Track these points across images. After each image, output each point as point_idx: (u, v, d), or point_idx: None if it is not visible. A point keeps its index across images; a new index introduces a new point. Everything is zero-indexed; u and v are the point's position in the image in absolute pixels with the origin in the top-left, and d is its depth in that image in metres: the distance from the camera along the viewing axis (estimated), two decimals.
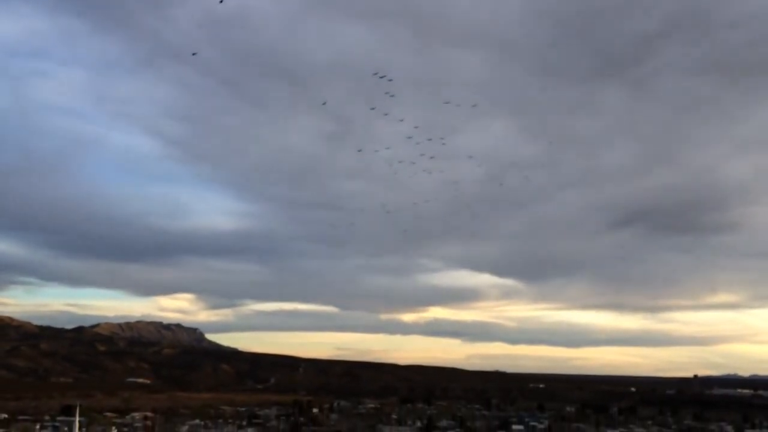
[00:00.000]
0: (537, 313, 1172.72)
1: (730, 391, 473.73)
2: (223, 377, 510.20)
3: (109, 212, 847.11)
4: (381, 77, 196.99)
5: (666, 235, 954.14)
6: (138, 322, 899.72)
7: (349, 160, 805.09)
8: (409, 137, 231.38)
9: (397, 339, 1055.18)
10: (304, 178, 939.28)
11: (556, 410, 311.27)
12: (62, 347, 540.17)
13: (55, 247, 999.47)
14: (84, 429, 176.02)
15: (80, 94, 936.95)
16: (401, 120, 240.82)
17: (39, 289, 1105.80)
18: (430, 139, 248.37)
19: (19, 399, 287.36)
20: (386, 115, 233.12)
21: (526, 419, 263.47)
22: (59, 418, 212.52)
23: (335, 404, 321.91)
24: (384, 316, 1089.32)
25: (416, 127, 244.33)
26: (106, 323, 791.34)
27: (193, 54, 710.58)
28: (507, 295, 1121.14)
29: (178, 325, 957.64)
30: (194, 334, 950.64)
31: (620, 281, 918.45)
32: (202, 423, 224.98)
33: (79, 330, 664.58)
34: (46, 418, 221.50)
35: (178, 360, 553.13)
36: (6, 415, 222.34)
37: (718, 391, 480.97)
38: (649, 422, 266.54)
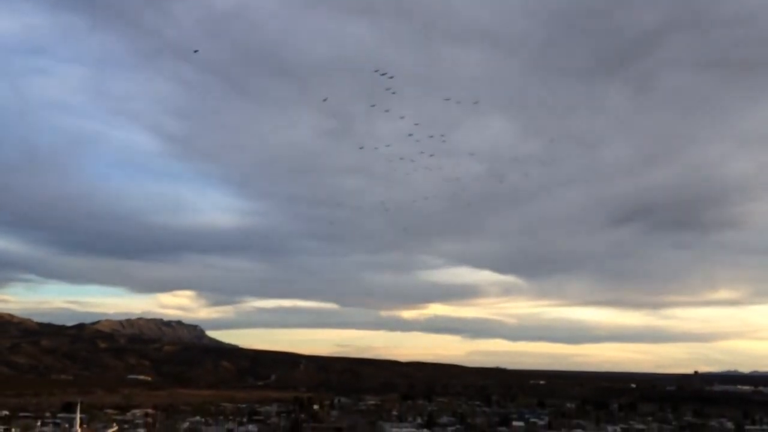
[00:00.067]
0: (537, 310, 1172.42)
1: (730, 388, 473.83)
2: (223, 374, 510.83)
3: (110, 209, 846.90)
4: (382, 74, 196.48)
5: (667, 231, 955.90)
6: (138, 319, 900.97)
7: (349, 156, 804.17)
8: (410, 134, 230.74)
9: (398, 336, 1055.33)
10: (305, 175, 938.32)
11: (556, 407, 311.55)
12: (63, 344, 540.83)
13: (55, 244, 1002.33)
14: (85, 426, 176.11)
15: (80, 90, 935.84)
16: (402, 117, 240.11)
17: (39, 286, 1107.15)
18: (431, 136, 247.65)
19: (20, 396, 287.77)
20: (387, 111, 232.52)
21: (527, 416, 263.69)
22: (60, 415, 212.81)
23: (336, 401, 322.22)
24: (384, 313, 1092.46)
25: (416, 124, 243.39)
26: (107, 320, 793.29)
27: (195, 51, 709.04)
28: (507, 291, 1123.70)
29: (179, 322, 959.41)
30: (195, 331, 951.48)
31: (621, 278, 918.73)
32: (203, 420, 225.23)
33: (80, 327, 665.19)
34: (47, 415, 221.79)
35: (178, 357, 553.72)
36: (7, 412, 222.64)
37: (718, 387, 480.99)
38: (650, 418, 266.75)
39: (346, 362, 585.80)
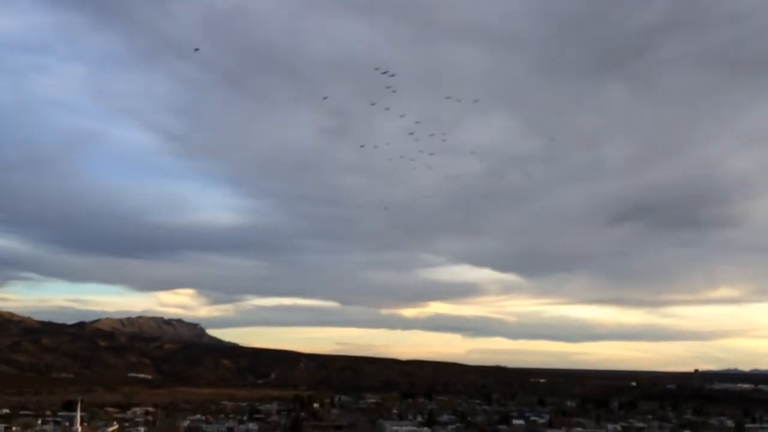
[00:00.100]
0: (538, 308, 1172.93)
1: (730, 386, 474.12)
2: (223, 372, 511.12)
3: (110, 207, 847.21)
4: (383, 73, 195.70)
5: (667, 229, 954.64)
6: (139, 317, 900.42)
7: (349, 155, 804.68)
8: (411, 133, 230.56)
9: (398, 334, 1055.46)
10: (305, 173, 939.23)
11: (556, 405, 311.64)
12: (63, 343, 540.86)
13: (56, 242, 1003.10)
14: (85, 424, 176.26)
15: (80, 89, 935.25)
16: (402, 116, 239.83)
17: (40, 284, 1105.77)
18: (432, 135, 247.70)
19: (20, 394, 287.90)
20: (388, 109, 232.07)
21: (527, 414, 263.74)
22: (61, 414, 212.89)
23: (336, 399, 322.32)
24: (385, 311, 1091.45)
25: (417, 122, 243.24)
26: (107, 318, 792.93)
27: (196, 50, 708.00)
28: (508, 290, 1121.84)
29: (179, 321, 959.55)
30: (195, 329, 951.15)
31: (621, 276, 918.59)
32: (203, 418, 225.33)
33: (80, 325, 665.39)
34: (48, 413, 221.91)
35: (179, 355, 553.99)
36: (8, 411, 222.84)
37: (718, 385, 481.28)
38: (650, 417, 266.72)
39: (347, 360, 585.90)
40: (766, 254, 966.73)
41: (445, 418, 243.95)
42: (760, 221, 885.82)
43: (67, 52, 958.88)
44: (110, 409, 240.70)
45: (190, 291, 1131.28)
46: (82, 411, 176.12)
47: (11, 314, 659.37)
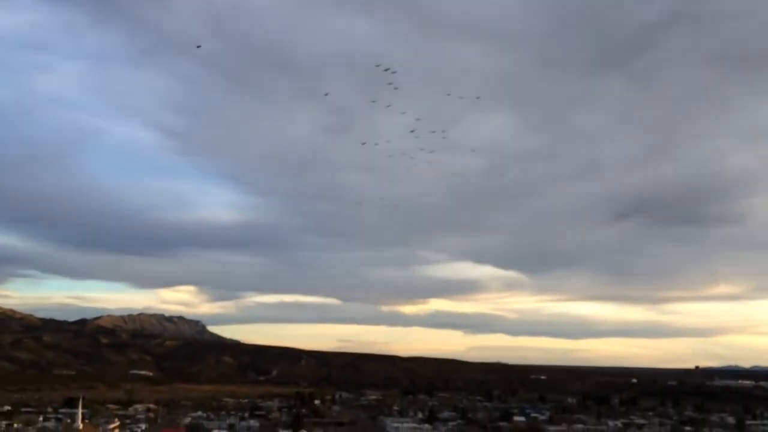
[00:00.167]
0: (538, 305, 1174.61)
1: (731, 382, 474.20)
2: (225, 369, 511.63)
3: (111, 205, 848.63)
4: (386, 70, 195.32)
5: (668, 226, 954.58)
6: (140, 314, 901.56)
7: (350, 152, 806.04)
8: (412, 130, 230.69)
9: (399, 331, 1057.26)
10: (306, 170, 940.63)
11: (557, 401, 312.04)
12: (65, 340, 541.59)
13: (56, 239, 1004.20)
14: (87, 421, 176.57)
15: (81, 86, 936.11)
16: (403, 113, 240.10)
17: (41, 281, 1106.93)
18: (433, 132, 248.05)
19: (22, 391, 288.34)
20: (389, 107, 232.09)
21: (528, 410, 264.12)
22: (62, 410, 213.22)
23: (337, 396, 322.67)
24: (386, 308, 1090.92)
25: (418, 120, 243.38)
26: (109, 316, 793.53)
27: (198, 47, 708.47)
28: (508, 286, 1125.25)
29: (181, 318, 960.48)
30: (196, 326, 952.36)
31: (622, 273, 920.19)
32: (205, 415, 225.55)
33: (82, 322, 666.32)
34: (49, 410, 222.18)
35: (180, 352, 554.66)
36: (9, 407, 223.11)
37: (719, 382, 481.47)
38: (650, 413, 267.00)
39: (348, 357, 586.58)
40: (766, 251, 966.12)
41: (445, 414, 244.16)
42: (761, 218, 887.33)
43: (67, 49, 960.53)
44: (111, 406, 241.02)
45: (191, 288, 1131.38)
46: (83, 408, 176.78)
47: (13, 311, 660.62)
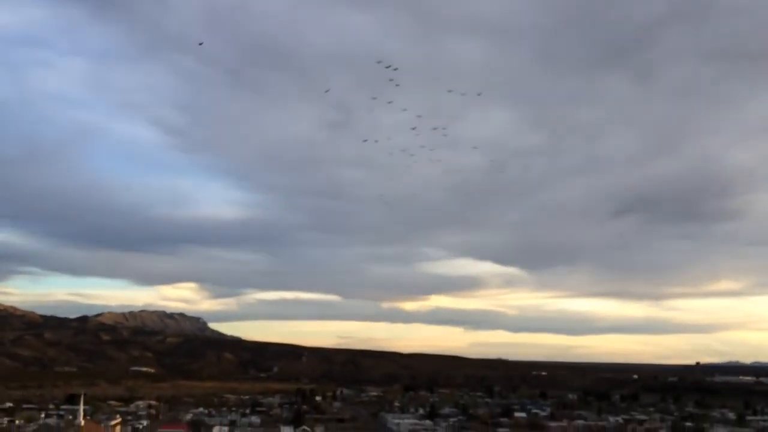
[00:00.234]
0: (539, 301, 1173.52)
1: (731, 378, 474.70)
2: (226, 366, 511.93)
3: (112, 202, 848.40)
4: (387, 67, 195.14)
5: (668, 222, 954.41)
6: (141, 311, 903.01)
7: (351, 148, 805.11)
8: (413, 128, 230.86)
9: (400, 327, 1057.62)
10: (307, 167, 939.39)
11: (558, 398, 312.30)
12: (66, 336, 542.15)
13: (58, 236, 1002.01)
14: (88, 417, 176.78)
15: (81, 83, 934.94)
16: (404, 109, 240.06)
17: (42, 278, 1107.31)
18: (434, 129, 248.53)
19: (23, 388, 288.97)
20: (390, 103, 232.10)
21: (529, 406, 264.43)
22: (64, 407, 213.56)
23: (338, 392, 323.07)
24: (386, 305, 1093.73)
25: (419, 116, 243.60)
26: (110, 312, 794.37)
27: (200, 44, 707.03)
28: (509, 283, 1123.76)
29: (182, 314, 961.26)
30: (197, 323, 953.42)
31: (622, 269, 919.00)
32: (206, 411, 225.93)
33: (83, 319, 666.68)
34: (51, 406, 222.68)
35: (181, 349, 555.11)
36: (11, 404, 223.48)
37: (719, 378, 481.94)
38: (651, 409, 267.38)
39: (349, 354, 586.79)
40: (767, 247, 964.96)
41: (446, 410, 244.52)
42: (761, 214, 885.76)
43: (67, 46, 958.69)
44: (113, 403, 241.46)
45: (192, 285, 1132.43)
46: (84, 404, 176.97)
47: (14, 308, 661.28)
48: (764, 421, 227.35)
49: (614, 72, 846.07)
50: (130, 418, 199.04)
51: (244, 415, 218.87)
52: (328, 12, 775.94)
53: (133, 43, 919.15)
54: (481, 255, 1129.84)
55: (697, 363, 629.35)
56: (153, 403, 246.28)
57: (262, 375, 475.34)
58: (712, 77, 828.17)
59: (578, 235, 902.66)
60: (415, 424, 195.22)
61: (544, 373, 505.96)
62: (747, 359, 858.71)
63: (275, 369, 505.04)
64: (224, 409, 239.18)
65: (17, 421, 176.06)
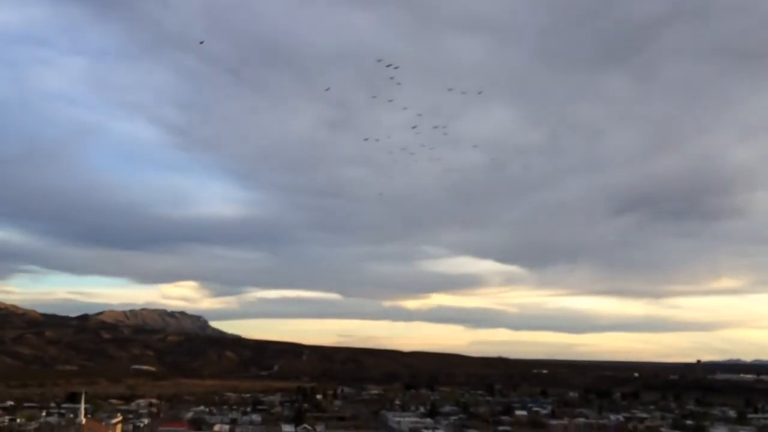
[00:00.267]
0: (540, 300, 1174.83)
1: (732, 376, 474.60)
2: (227, 364, 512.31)
3: (112, 200, 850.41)
4: (388, 66, 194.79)
5: (669, 220, 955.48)
6: (142, 309, 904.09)
7: (351, 147, 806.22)
8: (414, 126, 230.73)
9: (401, 326, 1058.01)
10: (307, 166, 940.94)
11: (559, 395, 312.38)
12: (67, 335, 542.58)
13: (58, 235, 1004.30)
14: (89, 416, 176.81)
15: (82, 82, 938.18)
16: (405, 108, 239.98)
17: (43, 277, 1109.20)
18: (435, 127, 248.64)
19: (24, 386, 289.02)
20: (390, 101, 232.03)
21: (529, 405, 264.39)
22: (65, 405, 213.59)
23: (339, 391, 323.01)
24: (387, 303, 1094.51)
25: (419, 115, 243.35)
26: (111, 311, 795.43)
27: (201, 42, 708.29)
28: (510, 281, 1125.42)
29: (182, 313, 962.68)
30: (198, 321, 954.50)
31: (623, 267, 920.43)
32: (207, 409, 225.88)
33: (84, 318, 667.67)
34: (52, 405, 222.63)
35: (182, 347, 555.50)
36: (12, 403, 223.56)
37: (720, 376, 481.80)
38: (652, 407, 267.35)
39: (349, 352, 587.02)
40: None
41: (447, 409, 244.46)
42: (762, 212, 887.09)
43: (68, 45, 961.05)
44: (114, 401, 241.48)
45: (192, 283, 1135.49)
46: (86, 403, 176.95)
47: (15, 307, 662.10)
48: (765, 419, 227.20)
49: (615, 70, 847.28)
50: (131, 416, 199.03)
51: (244, 413, 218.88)
52: (329, 11, 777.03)
53: (134, 41, 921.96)
54: (482, 253, 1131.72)
55: (698, 361, 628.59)
56: (154, 401, 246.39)
57: (263, 373, 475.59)
58: (713, 75, 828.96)
59: (579, 234, 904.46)
60: (416, 422, 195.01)
61: (544, 371, 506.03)
62: (748, 357, 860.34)
63: (276, 367, 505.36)
64: (225, 407, 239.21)
65: (18, 420, 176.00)
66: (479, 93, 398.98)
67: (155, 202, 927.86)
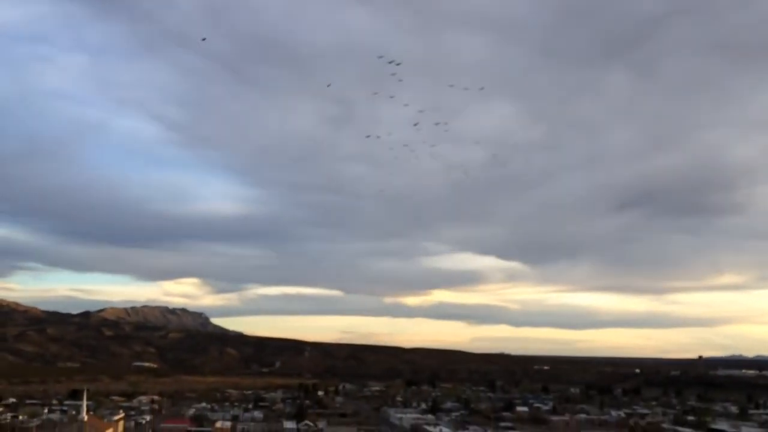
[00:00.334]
0: (541, 296, 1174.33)
1: (734, 372, 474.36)
2: (228, 361, 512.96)
3: (113, 198, 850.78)
4: (390, 62, 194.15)
5: (671, 216, 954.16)
6: (144, 306, 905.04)
7: (352, 144, 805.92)
8: (415, 123, 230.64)
9: (402, 322, 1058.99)
10: (308, 162, 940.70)
11: (560, 392, 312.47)
12: (69, 332, 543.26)
13: (60, 232, 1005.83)
14: (91, 413, 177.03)
15: (82, 79, 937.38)
16: (406, 104, 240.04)
17: (45, 274, 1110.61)
18: (437, 124, 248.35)
19: (26, 384, 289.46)
20: (392, 97, 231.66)
21: (531, 401, 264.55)
22: (67, 402, 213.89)
23: (340, 387, 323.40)
24: (388, 300, 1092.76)
25: (420, 111, 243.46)
26: (112, 308, 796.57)
27: (203, 39, 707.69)
28: (511, 277, 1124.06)
29: (184, 310, 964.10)
30: (199, 318, 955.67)
31: (625, 263, 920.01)
32: (208, 406, 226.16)
33: (86, 315, 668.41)
34: (54, 402, 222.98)
35: (183, 344, 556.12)
36: (14, 400, 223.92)
37: (722, 371, 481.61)
38: (654, 403, 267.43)
39: (351, 349, 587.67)
40: None
41: (449, 405, 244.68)
42: (764, 207, 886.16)
43: (68, 42, 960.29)
44: (116, 398, 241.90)
45: (194, 280, 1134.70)
46: (87, 400, 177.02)
47: (17, 304, 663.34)
48: (767, 414, 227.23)
49: (615, 66, 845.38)
50: (132, 413, 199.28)
51: (246, 410, 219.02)
52: (329, 7, 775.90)
53: (135, 38, 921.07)
54: (483, 249, 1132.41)
55: (700, 357, 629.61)
56: (155, 398, 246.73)
57: (265, 370, 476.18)
58: (714, 71, 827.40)
59: (580, 230, 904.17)
60: (418, 418, 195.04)
61: (546, 368, 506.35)
62: (749, 353, 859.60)
63: (277, 364, 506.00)
64: (227, 404, 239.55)
65: (20, 417, 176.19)
66: (481, 89, 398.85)
67: (156, 199, 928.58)
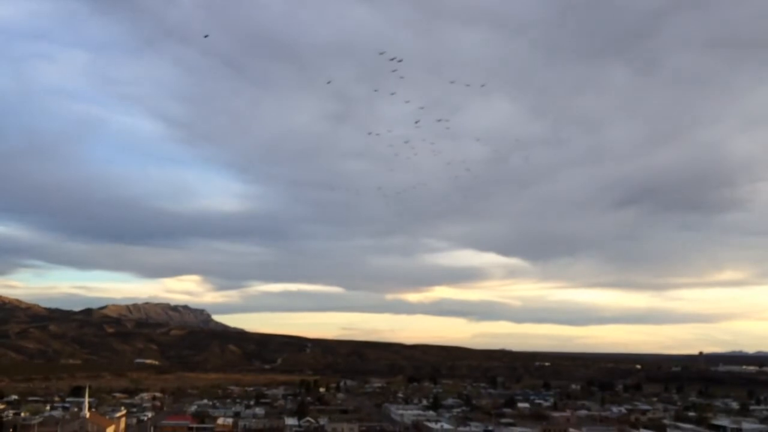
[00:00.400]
0: (542, 292, 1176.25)
1: (735, 368, 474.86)
2: (230, 358, 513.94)
3: (115, 195, 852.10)
4: (391, 59, 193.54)
5: (672, 213, 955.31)
6: (145, 303, 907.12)
7: (353, 140, 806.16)
8: (417, 120, 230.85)
9: (403, 318, 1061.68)
10: (309, 159, 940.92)
11: (561, 388, 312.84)
12: (71, 329, 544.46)
13: (62, 230, 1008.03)
14: (93, 410, 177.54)
15: (83, 76, 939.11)
16: (407, 101, 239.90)
17: (47, 272, 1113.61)
18: (438, 120, 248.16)
19: (29, 380, 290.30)
20: (393, 94, 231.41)
21: (532, 397, 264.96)
22: (69, 399, 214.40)
23: (342, 383, 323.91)
24: (390, 296, 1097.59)
25: (421, 108, 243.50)
26: (114, 305, 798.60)
27: (206, 36, 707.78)
28: (512, 274, 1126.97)
29: (185, 307, 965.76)
30: (201, 315, 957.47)
31: (626, 259, 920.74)
32: (210, 403, 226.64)
33: (88, 312, 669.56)
34: (56, 399, 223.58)
35: (185, 341, 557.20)
36: (16, 397, 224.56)
37: (723, 367, 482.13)
38: (655, 399, 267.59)
39: (352, 345, 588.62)
40: None
41: (450, 401, 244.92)
42: (765, 204, 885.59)
43: (68, 39, 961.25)
44: (118, 395, 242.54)
45: (195, 277, 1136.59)
46: (90, 397, 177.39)
47: (19, 301, 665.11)
48: (767, 410, 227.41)
49: (617, 62, 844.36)
50: (134, 410, 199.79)
51: (248, 406, 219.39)
52: (330, 3, 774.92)
53: (135, 35, 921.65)
54: (484, 246, 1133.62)
55: (701, 353, 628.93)
56: (157, 395, 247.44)
57: (266, 366, 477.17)
58: (716, 66, 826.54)
59: (581, 226, 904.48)
60: (419, 414, 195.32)
61: (547, 364, 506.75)
62: (750, 349, 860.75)
63: (279, 360, 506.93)
64: (228, 400, 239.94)
65: (23, 414, 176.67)
66: (482, 86, 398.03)
67: (157, 196, 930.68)
